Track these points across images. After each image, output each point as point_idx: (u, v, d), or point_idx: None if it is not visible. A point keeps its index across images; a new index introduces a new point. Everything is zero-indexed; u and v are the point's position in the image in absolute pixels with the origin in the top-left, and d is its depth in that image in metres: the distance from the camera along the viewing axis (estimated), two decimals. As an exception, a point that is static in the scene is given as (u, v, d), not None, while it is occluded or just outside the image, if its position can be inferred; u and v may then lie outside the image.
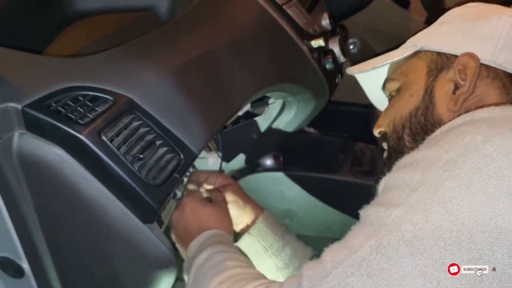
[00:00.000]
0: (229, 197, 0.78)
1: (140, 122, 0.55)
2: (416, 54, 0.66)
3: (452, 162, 0.44)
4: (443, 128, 0.52)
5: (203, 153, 0.94)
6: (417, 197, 0.43)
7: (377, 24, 1.57)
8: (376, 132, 0.71)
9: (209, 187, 0.81)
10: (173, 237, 0.71)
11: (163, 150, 0.57)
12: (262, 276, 0.56)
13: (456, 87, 0.59)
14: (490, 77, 0.59)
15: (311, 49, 0.91)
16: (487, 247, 0.40)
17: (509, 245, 0.40)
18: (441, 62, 0.63)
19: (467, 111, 0.55)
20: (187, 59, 0.66)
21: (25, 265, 0.56)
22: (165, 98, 0.60)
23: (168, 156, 0.57)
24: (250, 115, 1.01)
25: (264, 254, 0.78)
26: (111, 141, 0.51)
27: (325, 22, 0.98)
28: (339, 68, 0.99)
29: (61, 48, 0.70)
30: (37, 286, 0.57)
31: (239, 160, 1.07)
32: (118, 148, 0.52)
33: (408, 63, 0.67)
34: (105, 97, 0.54)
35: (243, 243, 0.78)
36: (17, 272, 0.56)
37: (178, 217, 0.70)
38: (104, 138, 0.50)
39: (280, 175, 1.15)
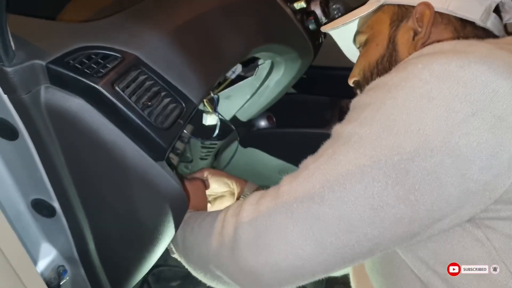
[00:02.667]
0: (213, 178, 0.89)
1: (146, 76, 0.64)
2: (380, 8, 0.75)
3: (394, 86, 0.53)
4: (399, 64, 0.61)
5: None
6: (365, 115, 0.53)
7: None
8: (350, 82, 0.81)
9: None
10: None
11: (167, 100, 0.65)
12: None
13: (415, 33, 0.68)
14: (443, 22, 0.68)
15: (294, 11, 0.99)
16: (413, 149, 0.49)
17: (431, 147, 0.49)
18: (402, 13, 0.72)
19: None
20: (183, 22, 0.74)
21: (56, 205, 0.64)
22: (166, 56, 0.68)
23: (172, 105, 0.65)
24: (241, 78, 1.10)
25: None
26: (123, 91, 0.59)
27: (307, -15, 1.05)
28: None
29: (68, 19, 0.77)
30: (67, 223, 0.66)
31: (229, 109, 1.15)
32: (129, 97, 0.60)
33: (374, 17, 0.76)
34: (114, 55, 0.62)
35: None
36: (50, 212, 0.65)
37: None
38: (117, 88, 0.59)
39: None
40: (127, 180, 0.62)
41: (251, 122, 1.25)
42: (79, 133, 0.59)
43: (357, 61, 0.79)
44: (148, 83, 0.64)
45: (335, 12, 1.64)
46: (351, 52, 0.88)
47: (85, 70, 0.58)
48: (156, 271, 1.17)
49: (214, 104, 1.03)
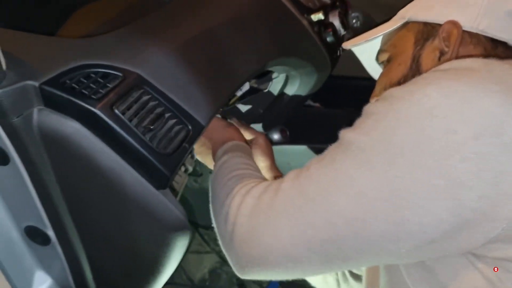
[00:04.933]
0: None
1: (149, 96, 0.59)
2: (405, 25, 0.69)
3: (398, 98, 0.50)
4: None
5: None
6: (367, 124, 0.51)
7: (380, -3, 1.58)
8: (372, 101, 0.75)
9: None
10: (196, 151, 0.80)
11: (172, 122, 0.60)
12: (264, 179, 0.65)
13: (441, 54, 0.63)
14: (472, 43, 0.62)
15: (311, 23, 0.94)
16: (407, 166, 0.47)
17: (426, 167, 0.46)
18: (427, 31, 0.66)
19: None
20: (190, 37, 0.70)
21: (51, 233, 0.60)
22: (171, 74, 0.64)
23: (177, 128, 0.61)
24: (255, 91, 1.05)
25: None
26: (123, 114, 0.55)
27: (325, -5, 1.00)
28: (340, 41, 1.01)
29: (70, 33, 0.73)
30: (62, 251, 0.62)
31: None
32: (130, 120, 0.55)
33: (398, 34, 0.70)
34: (115, 74, 0.57)
35: None
36: (44, 240, 0.61)
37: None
38: (116, 111, 0.54)
39: (286, 147, 1.18)
40: (126, 209, 0.58)
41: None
42: (74, 159, 0.55)
43: (378, 79, 0.74)
44: (151, 103, 0.59)
45: (354, 21, 1.59)
46: (376, 71, 0.82)
47: (82, 91, 0.54)
48: (162, 290, 1.12)
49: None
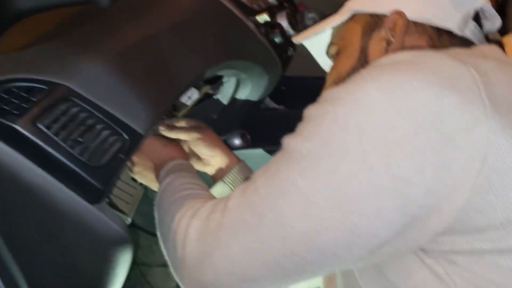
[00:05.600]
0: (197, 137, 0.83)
1: (79, 108, 0.57)
2: (353, 17, 0.69)
3: (338, 99, 0.48)
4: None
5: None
6: (308, 129, 0.49)
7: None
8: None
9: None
10: (137, 173, 0.79)
11: (106, 133, 0.58)
12: (212, 197, 0.64)
13: (388, 44, 0.62)
14: (418, 32, 0.62)
15: (258, 24, 0.93)
16: (351, 169, 0.45)
17: (369, 167, 0.45)
18: (374, 22, 0.66)
19: None
20: (127, 45, 0.68)
21: (-16, 259, 0.57)
22: (105, 84, 0.62)
23: (112, 138, 0.59)
24: (208, 96, 1.03)
25: None
26: (48, 128, 0.53)
27: (270, -4, 0.99)
28: (289, 41, 1.01)
29: (3, 49, 0.71)
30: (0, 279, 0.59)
31: None
32: (56, 134, 0.53)
33: (346, 27, 0.70)
34: (39, 87, 0.55)
35: (216, 190, 0.83)
36: (-22, 267, 0.58)
37: (139, 154, 0.75)
38: (40, 125, 0.52)
39: (247, 152, 1.17)
40: (61, 227, 0.56)
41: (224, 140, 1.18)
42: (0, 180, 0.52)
43: (328, 72, 0.73)
44: (81, 115, 0.57)
45: (311, 22, 1.59)
46: (326, 63, 0.82)
47: (3, 107, 0.51)
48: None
49: None
